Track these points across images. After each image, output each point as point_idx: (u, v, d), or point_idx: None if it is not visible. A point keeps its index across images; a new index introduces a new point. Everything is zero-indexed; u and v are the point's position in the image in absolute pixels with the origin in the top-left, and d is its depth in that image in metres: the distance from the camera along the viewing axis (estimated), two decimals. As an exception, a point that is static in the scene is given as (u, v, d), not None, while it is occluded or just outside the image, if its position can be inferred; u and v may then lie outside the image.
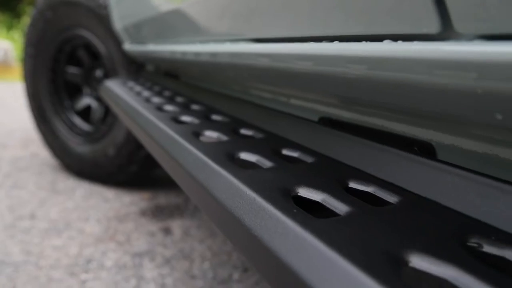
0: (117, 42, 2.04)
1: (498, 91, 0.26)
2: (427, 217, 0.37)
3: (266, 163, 0.53)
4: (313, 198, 0.42)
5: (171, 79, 1.68)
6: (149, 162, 2.14)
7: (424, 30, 0.32)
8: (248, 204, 0.39)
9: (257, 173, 0.47)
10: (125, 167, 2.14)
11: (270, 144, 0.62)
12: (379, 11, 0.36)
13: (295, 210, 0.36)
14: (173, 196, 2.19)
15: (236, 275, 1.48)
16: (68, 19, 2.24)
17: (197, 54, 1.02)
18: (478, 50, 0.27)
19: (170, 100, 1.10)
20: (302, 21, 0.52)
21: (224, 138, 0.67)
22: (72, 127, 2.42)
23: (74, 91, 2.47)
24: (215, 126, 0.76)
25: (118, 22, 1.83)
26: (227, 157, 0.54)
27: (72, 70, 2.41)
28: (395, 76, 0.34)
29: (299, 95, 0.70)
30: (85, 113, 2.42)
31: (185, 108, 1.00)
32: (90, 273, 1.46)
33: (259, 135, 0.69)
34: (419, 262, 0.29)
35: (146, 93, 1.24)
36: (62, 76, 2.44)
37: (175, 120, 0.84)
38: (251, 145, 0.61)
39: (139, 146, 2.05)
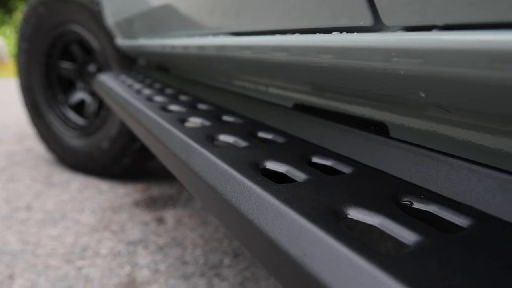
0: (110, 37, 2.09)
1: (417, 72, 0.32)
2: (372, 183, 0.42)
3: (242, 143, 0.59)
4: (278, 170, 0.48)
5: (161, 72, 1.73)
6: (142, 155, 2.19)
7: (362, 24, 0.38)
8: (221, 175, 0.44)
9: (232, 151, 0.52)
10: (119, 159, 2.19)
11: (247, 128, 0.68)
12: (330, 8, 0.42)
13: (259, 178, 0.42)
14: (166, 188, 2.25)
15: (226, 261, 1.54)
16: (61, 14, 2.28)
17: (185, 47, 1.07)
18: (400, 39, 0.33)
19: (160, 92, 1.16)
20: (274, 16, 0.57)
21: (207, 123, 0.73)
22: (66, 121, 2.46)
23: (68, 86, 2.51)
24: (200, 113, 0.82)
25: (110, 18, 1.87)
26: (207, 139, 0.60)
27: (66, 65, 2.45)
28: (343, 63, 0.40)
29: (277, 84, 0.76)
30: (79, 107, 2.47)
31: (174, 98, 1.06)
32: (86, 260, 1.51)
33: (239, 121, 0.75)
34: (356, 214, 0.35)
35: (137, 86, 1.30)
36: (56, 71, 2.48)
37: (164, 109, 0.89)
38: (230, 129, 0.67)
39: (132, 139, 2.10)
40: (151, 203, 2.04)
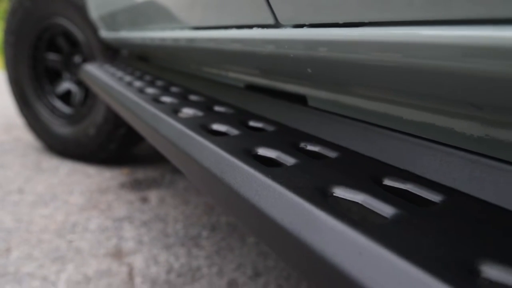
0: (94, 30, 2.21)
1: (301, 56, 0.47)
2: (288, 135, 0.58)
3: (199, 114, 0.74)
4: (220, 130, 0.63)
5: (141, 61, 1.87)
6: (127, 140, 2.33)
7: (268, 23, 0.54)
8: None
9: (192, 119, 0.68)
10: (105, 145, 2.33)
11: (208, 104, 0.83)
12: (252, 13, 0.57)
13: (205, 133, 0.57)
14: (150, 171, 2.39)
15: (205, 233, 1.70)
16: (46, 8, 2.39)
17: (162, 39, 1.22)
18: (289, 33, 0.48)
19: (140, 79, 1.31)
20: (222, 14, 0.73)
21: (175, 101, 0.88)
22: (53, 110, 2.58)
23: (55, 77, 2.63)
24: (172, 95, 0.97)
25: (94, 12, 2.00)
26: (173, 112, 0.76)
27: (52, 56, 2.56)
28: (261, 51, 0.56)
29: (233, 69, 0.92)
30: (66, 96, 2.59)
31: (151, 84, 1.21)
32: (76, 235, 1.66)
33: (202, 99, 0.91)
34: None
35: (119, 74, 1.44)
36: (43, 62, 2.59)
37: (141, 92, 1.04)
38: (193, 104, 0.82)
39: (117, 125, 2.23)
40: (136, 185, 2.19)
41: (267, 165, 0.52)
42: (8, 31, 2.56)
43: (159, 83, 1.21)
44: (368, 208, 0.41)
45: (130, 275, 1.40)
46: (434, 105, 0.48)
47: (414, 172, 0.49)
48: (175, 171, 2.43)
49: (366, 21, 0.39)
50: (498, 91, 0.33)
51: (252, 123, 0.68)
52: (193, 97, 0.96)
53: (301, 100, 0.70)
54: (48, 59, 2.57)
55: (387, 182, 0.47)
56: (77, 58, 2.49)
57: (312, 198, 0.42)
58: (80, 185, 2.17)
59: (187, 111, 0.78)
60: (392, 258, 0.29)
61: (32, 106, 2.61)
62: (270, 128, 0.64)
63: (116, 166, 2.46)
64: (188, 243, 1.62)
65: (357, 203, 0.44)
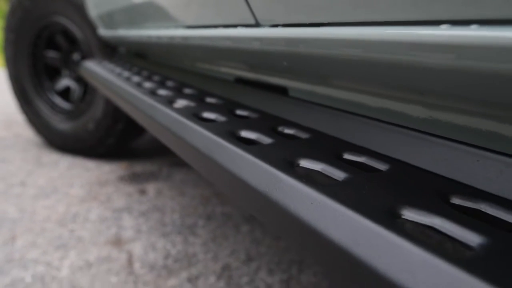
0: (92, 28, 2.28)
1: (277, 51, 0.55)
2: (268, 121, 0.66)
3: (192, 104, 0.82)
4: (209, 117, 0.71)
5: (139, 58, 1.95)
6: (125, 135, 2.40)
7: (250, 23, 0.62)
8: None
9: (185, 109, 0.76)
10: (104, 140, 2.40)
11: (200, 96, 0.91)
12: (238, 14, 0.66)
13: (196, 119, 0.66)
14: (148, 165, 2.47)
15: (201, 222, 1.78)
16: (45, 7, 2.46)
17: (158, 37, 1.29)
18: (267, 32, 0.56)
19: (138, 74, 1.39)
20: (211, 14, 0.81)
21: (170, 94, 0.96)
22: (53, 106, 2.65)
23: (54, 74, 2.70)
24: (167, 88, 1.05)
25: (93, 10, 2.07)
26: (167, 102, 0.83)
27: (51, 54, 2.63)
28: (245, 47, 0.64)
29: (224, 64, 1.00)
30: (65, 93, 2.66)
31: (149, 78, 1.29)
32: (77, 224, 1.74)
33: (195, 92, 0.98)
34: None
35: (118, 70, 1.52)
36: (42, 60, 2.66)
37: (140, 86, 1.12)
38: (186, 96, 0.90)
39: (116, 120, 2.31)
40: (134, 178, 2.26)
41: (247, 144, 0.60)
42: (8, 30, 2.62)
43: (156, 78, 1.29)
44: (326, 175, 0.49)
45: (130, 261, 1.48)
46: (387, 92, 0.56)
47: (370, 148, 0.57)
48: (172, 164, 2.50)
49: (325, 22, 0.47)
50: (434, 79, 0.41)
51: (238, 112, 0.76)
52: (187, 90, 1.04)
53: (283, 91, 0.78)
54: (48, 57, 2.64)
55: (347, 156, 0.56)
56: (75, 56, 2.56)
57: (278, 165, 0.51)
58: (80, 178, 2.25)
59: (181, 102, 0.86)
60: (336, 206, 0.37)
61: (32, 103, 2.68)
62: (254, 115, 0.72)
63: (114, 160, 2.54)
64: (185, 231, 1.70)
65: (318, 171, 0.51)
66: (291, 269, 1.47)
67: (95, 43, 2.32)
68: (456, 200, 0.44)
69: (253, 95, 0.82)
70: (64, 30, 2.52)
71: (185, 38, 0.94)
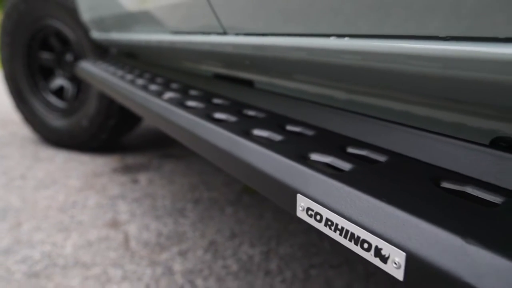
0: (84, 30, 2.44)
1: (240, 52, 0.74)
2: (237, 107, 0.85)
3: (177, 96, 1.01)
4: (191, 105, 0.90)
5: (130, 58, 2.13)
6: (117, 130, 2.57)
7: (220, 31, 0.80)
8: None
9: (172, 100, 0.95)
10: (97, 135, 2.57)
11: (185, 89, 1.10)
12: (209, 24, 0.84)
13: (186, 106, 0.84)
14: (139, 157, 2.64)
15: (189, 206, 1.97)
16: (39, 11, 2.61)
17: (147, 41, 1.47)
18: (232, 39, 0.75)
19: (130, 72, 1.56)
20: (192, 23, 0.99)
21: (160, 88, 1.14)
22: (48, 104, 2.80)
23: (48, 74, 2.85)
24: (157, 83, 1.24)
25: (85, 15, 2.23)
26: (157, 94, 1.02)
27: (45, 55, 2.78)
28: (217, 50, 0.83)
29: (203, 63, 1.19)
30: (59, 92, 2.82)
31: (140, 76, 1.47)
32: (77, 210, 1.91)
33: (180, 87, 1.17)
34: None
35: (112, 69, 1.69)
36: (37, 61, 2.81)
37: (133, 82, 1.30)
38: (173, 90, 1.08)
39: (108, 116, 2.48)
40: (126, 169, 2.44)
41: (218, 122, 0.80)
42: (4, 32, 2.76)
43: (147, 75, 1.47)
44: (270, 139, 0.69)
45: (126, 240, 1.66)
46: (332, 83, 0.75)
47: (315, 124, 0.77)
48: (162, 156, 2.68)
49: (268, 33, 0.66)
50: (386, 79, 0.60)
51: (215, 101, 0.95)
52: (173, 85, 1.23)
53: (249, 83, 0.97)
54: (42, 58, 2.79)
55: (289, 127, 0.76)
56: (68, 56, 2.72)
57: (234, 130, 0.70)
58: (76, 170, 2.42)
59: (169, 95, 1.05)
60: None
61: (28, 102, 2.83)
62: (226, 103, 0.91)
63: (107, 153, 2.71)
64: (175, 214, 1.88)
65: (265, 137, 0.71)
66: (270, 242, 1.66)
67: (87, 44, 2.49)
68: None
69: (227, 87, 1.01)
70: (57, 32, 2.67)
71: (171, 42, 1.12)
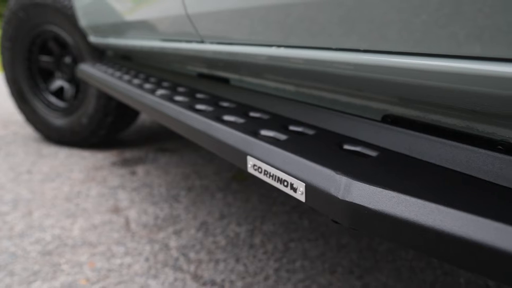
0: (82, 34, 2.63)
1: (216, 58, 0.95)
2: (215, 100, 1.06)
3: (166, 92, 1.22)
4: (178, 100, 1.11)
5: (125, 60, 2.33)
6: (115, 127, 2.77)
7: (198, 40, 1.01)
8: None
9: (164, 95, 1.15)
10: (96, 132, 2.77)
11: (174, 87, 1.31)
12: (189, 34, 1.05)
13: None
14: (136, 151, 2.84)
15: (183, 193, 2.18)
16: (38, 17, 2.79)
17: (141, 47, 1.68)
18: (207, 47, 0.95)
19: (127, 73, 1.77)
20: (178, 33, 1.20)
21: (153, 87, 1.36)
22: (49, 105, 2.99)
23: (48, 76, 3.04)
24: (151, 82, 1.44)
25: (83, 21, 2.42)
26: (151, 91, 1.23)
27: (45, 58, 2.97)
28: (198, 54, 1.03)
29: (191, 64, 1.39)
30: (59, 92, 3.01)
31: (136, 76, 1.67)
32: (81, 199, 2.11)
33: (170, 85, 1.38)
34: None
35: (110, 70, 1.89)
36: (37, 64, 3.00)
37: (130, 82, 1.51)
38: (164, 87, 1.29)
39: (106, 114, 2.67)
40: (125, 163, 2.64)
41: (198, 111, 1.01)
42: (5, 38, 2.94)
43: (141, 75, 1.68)
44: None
45: (127, 222, 1.86)
46: (284, 79, 0.96)
47: (270, 111, 0.98)
48: (157, 150, 2.88)
49: (236, 42, 0.86)
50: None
51: (198, 95, 1.16)
52: (165, 84, 1.44)
53: (226, 81, 1.18)
54: (42, 61, 2.98)
55: (252, 114, 0.97)
56: (67, 59, 2.90)
57: (210, 116, 0.91)
58: (78, 165, 2.62)
59: (161, 92, 1.25)
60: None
61: (29, 103, 3.02)
62: (207, 97, 1.11)
63: (107, 149, 2.91)
64: (170, 200, 2.09)
65: (233, 121, 0.92)
66: (255, 222, 1.87)
67: (84, 47, 2.68)
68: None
69: (208, 84, 1.22)
70: (55, 37, 2.86)
71: (161, 48, 1.33)
